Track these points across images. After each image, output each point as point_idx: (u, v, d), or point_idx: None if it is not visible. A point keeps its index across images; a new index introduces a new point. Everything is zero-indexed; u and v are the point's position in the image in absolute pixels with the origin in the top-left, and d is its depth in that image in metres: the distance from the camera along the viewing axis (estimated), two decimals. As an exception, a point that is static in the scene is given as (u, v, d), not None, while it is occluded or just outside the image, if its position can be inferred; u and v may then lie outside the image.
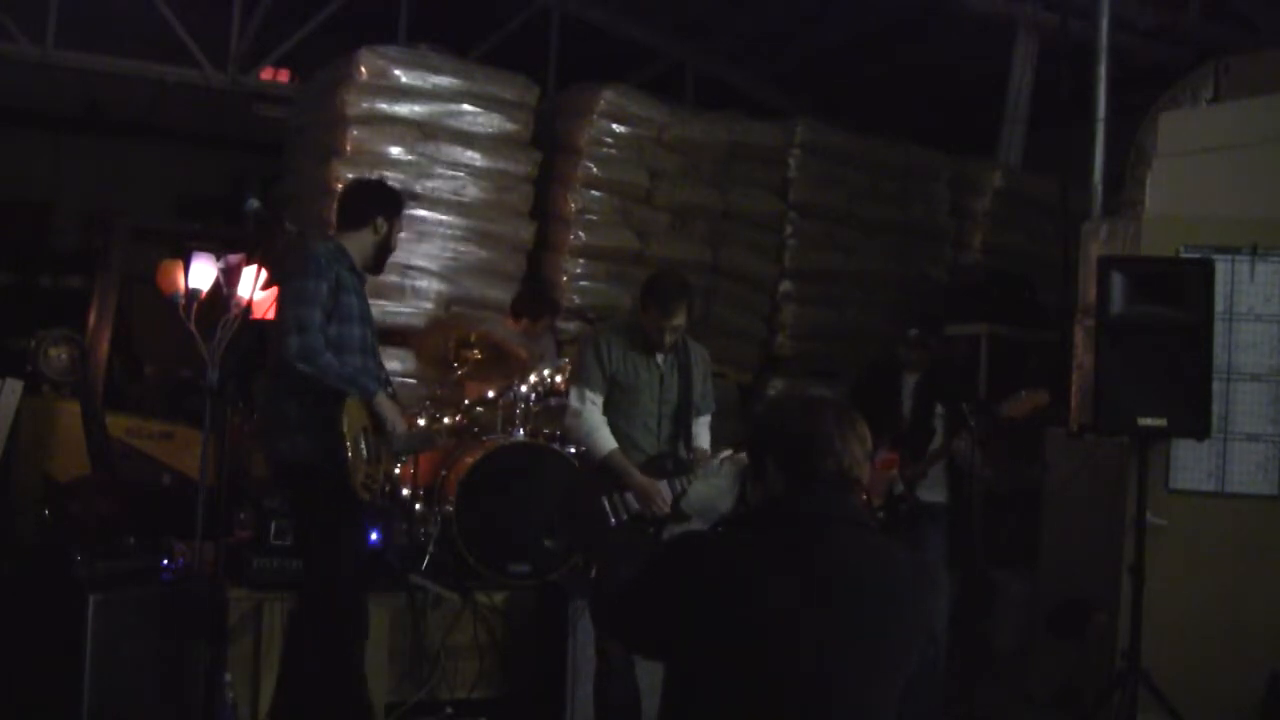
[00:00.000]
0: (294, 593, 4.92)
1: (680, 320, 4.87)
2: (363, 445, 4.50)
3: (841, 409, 2.79)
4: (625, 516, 4.84)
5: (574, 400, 5.02)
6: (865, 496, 5.54)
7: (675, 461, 4.93)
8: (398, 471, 6.04)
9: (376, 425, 4.60)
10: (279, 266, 6.07)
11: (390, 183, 5.23)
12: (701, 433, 5.10)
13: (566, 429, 5.37)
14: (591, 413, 4.90)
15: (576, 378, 5.08)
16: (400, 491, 6.01)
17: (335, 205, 4.93)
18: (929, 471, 5.75)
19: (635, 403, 4.93)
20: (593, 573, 5.22)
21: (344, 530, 4.59)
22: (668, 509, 4.83)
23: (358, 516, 4.65)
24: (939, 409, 5.82)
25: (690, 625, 2.58)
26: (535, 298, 7.12)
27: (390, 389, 4.90)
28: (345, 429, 4.41)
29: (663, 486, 4.85)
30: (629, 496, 4.86)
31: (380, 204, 4.78)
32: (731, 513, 3.11)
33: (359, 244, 4.71)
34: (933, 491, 5.79)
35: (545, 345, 6.92)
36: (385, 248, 4.79)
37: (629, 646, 3.21)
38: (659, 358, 4.95)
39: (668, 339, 4.89)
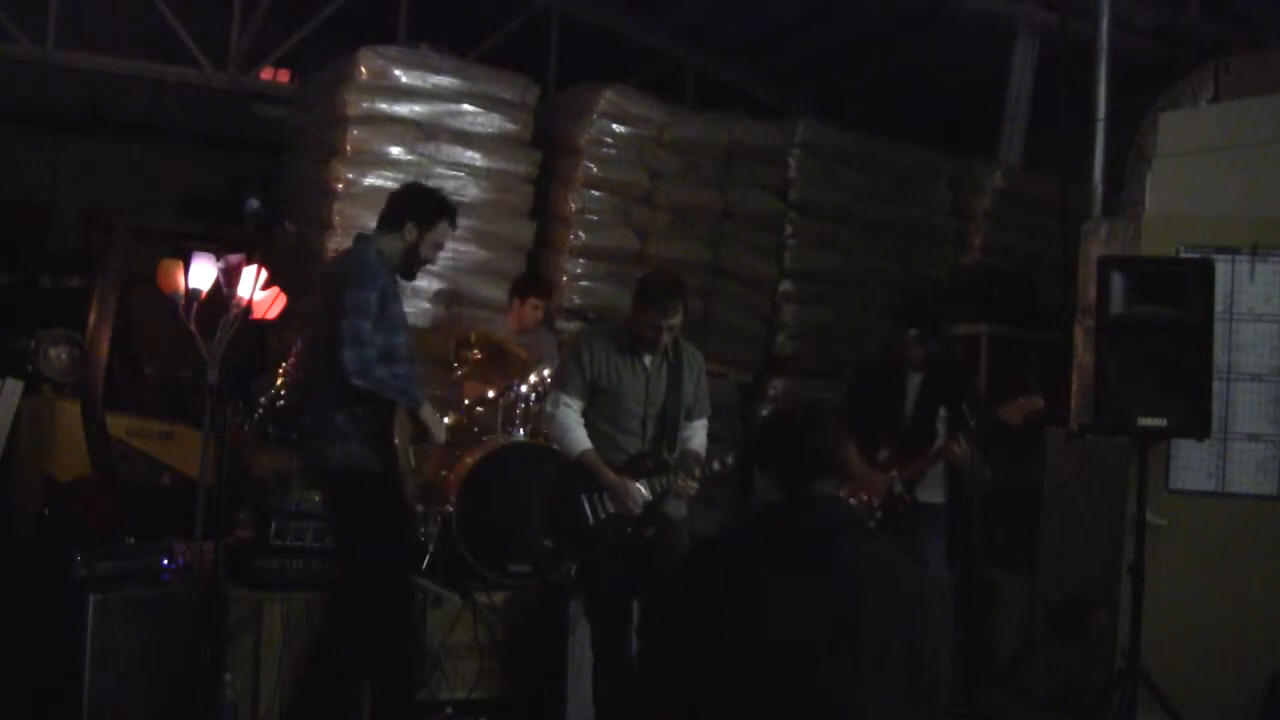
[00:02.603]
0: (306, 592, 4.93)
1: (677, 320, 4.87)
2: (410, 455, 4.56)
3: (826, 412, 2.91)
4: (604, 516, 4.85)
5: (548, 404, 5.09)
6: (865, 496, 5.56)
7: (655, 462, 4.92)
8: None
9: (417, 435, 4.57)
10: (279, 266, 6.09)
11: (443, 195, 5.05)
12: (695, 436, 5.09)
13: (544, 431, 5.40)
14: (565, 415, 4.93)
15: (556, 381, 5.12)
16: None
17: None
18: (928, 472, 5.74)
19: (618, 405, 4.93)
20: (573, 572, 5.22)
21: (390, 536, 4.56)
22: (639, 508, 4.83)
23: (406, 524, 4.69)
24: (942, 411, 5.80)
25: (708, 639, 2.61)
26: (537, 275, 7.13)
27: None
28: (398, 439, 4.43)
29: (640, 486, 4.85)
30: (609, 496, 4.87)
31: (413, 210, 4.70)
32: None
33: (391, 247, 4.64)
34: (932, 492, 5.78)
35: (546, 344, 6.91)
36: (414, 255, 4.69)
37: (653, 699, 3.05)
38: (647, 360, 4.95)
39: (664, 338, 4.88)
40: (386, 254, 4.61)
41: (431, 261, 4.83)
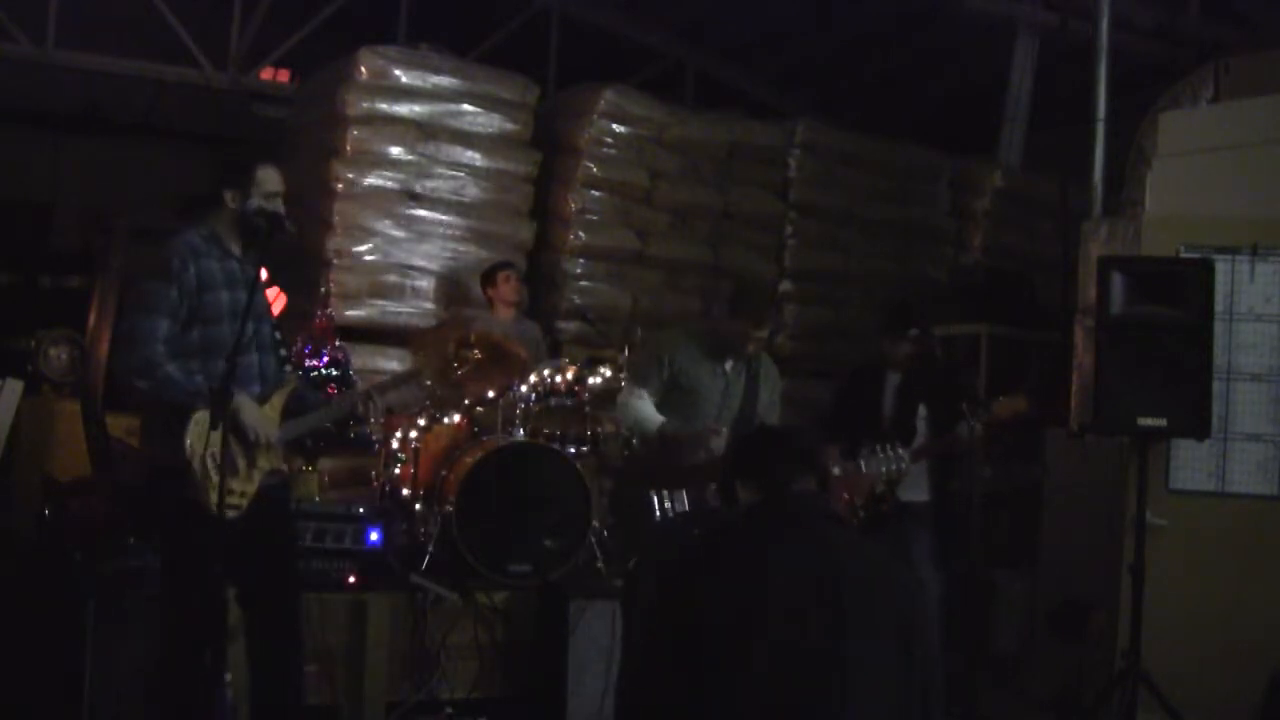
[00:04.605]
0: (306, 591, 4.82)
1: (766, 331, 5.03)
2: (209, 462, 4.08)
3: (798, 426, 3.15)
4: (672, 514, 4.83)
5: (622, 395, 5.18)
6: (847, 497, 5.57)
7: None
8: (397, 471, 6.05)
9: (240, 434, 4.19)
10: (279, 266, 6.07)
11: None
12: None
13: (618, 420, 5.50)
14: (636, 401, 5.01)
15: (633, 374, 5.24)
16: (400, 491, 6.01)
17: None
18: (910, 470, 5.73)
19: (695, 406, 5.01)
20: (631, 564, 5.21)
21: (187, 548, 4.15)
22: (720, 442, 4.81)
23: (205, 535, 4.06)
24: (922, 410, 5.81)
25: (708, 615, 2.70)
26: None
27: (285, 370, 4.53)
28: (190, 446, 4.00)
29: (711, 491, 4.84)
30: (680, 494, 4.85)
31: (226, 181, 4.38)
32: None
33: (217, 226, 4.34)
34: (914, 490, 5.78)
35: (532, 337, 6.94)
36: (249, 217, 4.29)
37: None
38: (727, 365, 5.00)
39: (752, 347, 4.98)
40: (222, 234, 4.31)
41: (280, 212, 4.38)
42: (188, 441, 4.03)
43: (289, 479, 4.57)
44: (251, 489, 4.25)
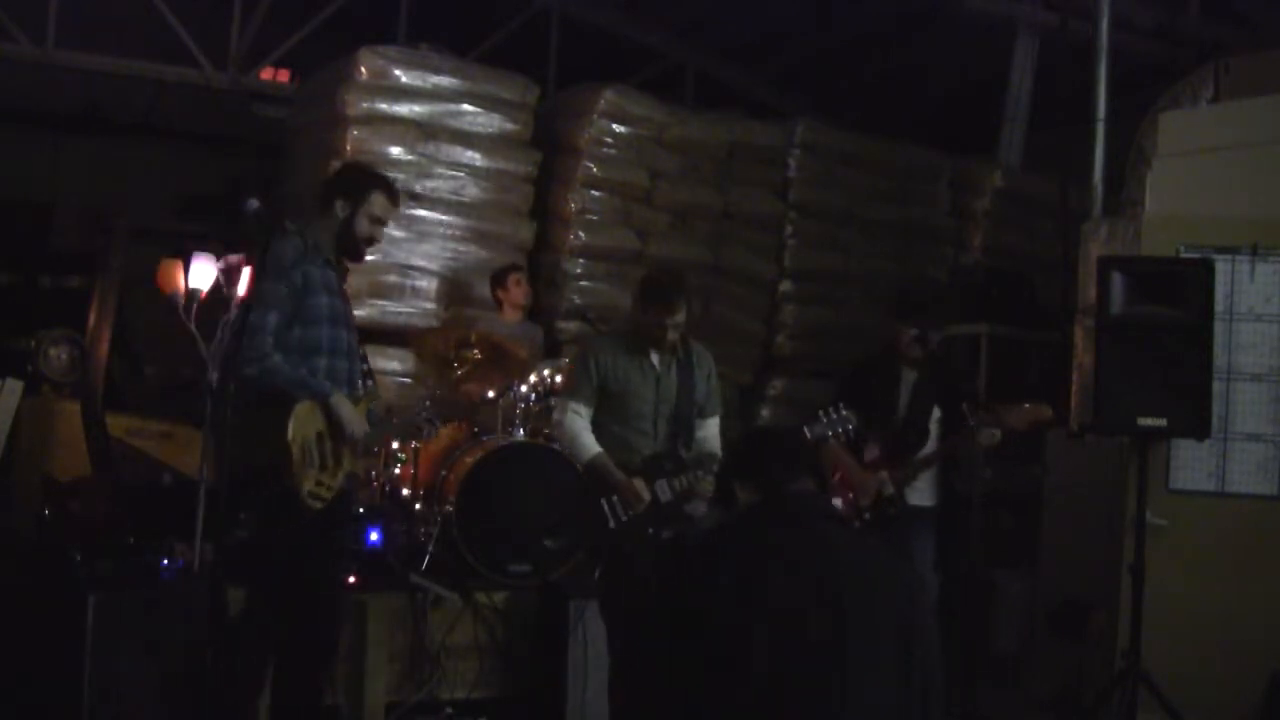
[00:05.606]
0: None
1: (681, 316, 4.88)
2: (314, 451, 4.25)
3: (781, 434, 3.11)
4: (624, 519, 4.84)
5: (556, 412, 5.11)
6: (851, 496, 5.56)
7: (673, 461, 4.93)
8: (397, 471, 6.06)
9: (334, 429, 4.32)
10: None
11: (373, 168, 4.86)
12: (710, 435, 5.08)
13: (553, 437, 5.43)
14: (573, 421, 4.94)
15: (564, 389, 5.16)
16: (400, 491, 6.01)
17: None
18: (919, 475, 5.69)
19: (628, 406, 4.94)
20: (596, 574, 5.22)
21: (280, 538, 4.28)
22: (644, 506, 4.83)
23: (301, 525, 4.27)
24: (937, 412, 5.76)
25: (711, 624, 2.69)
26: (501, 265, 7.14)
27: (369, 383, 4.73)
28: (291, 434, 4.15)
29: (661, 486, 4.85)
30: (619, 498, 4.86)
31: (342, 188, 4.50)
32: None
33: (325, 231, 4.46)
34: (923, 496, 5.73)
35: (534, 339, 6.94)
36: (349, 234, 4.45)
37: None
38: (654, 359, 4.96)
39: (670, 336, 4.90)
40: (315, 241, 4.41)
41: (376, 239, 4.58)
42: (289, 430, 4.16)
43: (355, 483, 4.66)
44: (336, 485, 4.36)
